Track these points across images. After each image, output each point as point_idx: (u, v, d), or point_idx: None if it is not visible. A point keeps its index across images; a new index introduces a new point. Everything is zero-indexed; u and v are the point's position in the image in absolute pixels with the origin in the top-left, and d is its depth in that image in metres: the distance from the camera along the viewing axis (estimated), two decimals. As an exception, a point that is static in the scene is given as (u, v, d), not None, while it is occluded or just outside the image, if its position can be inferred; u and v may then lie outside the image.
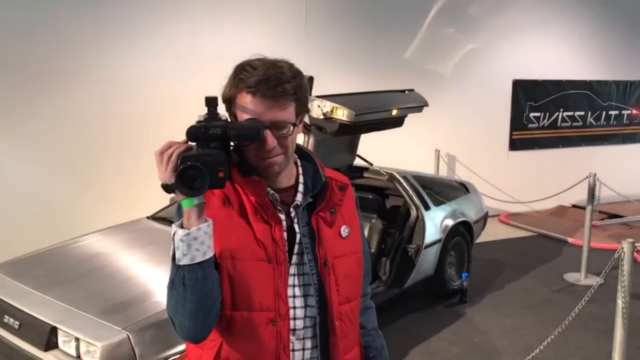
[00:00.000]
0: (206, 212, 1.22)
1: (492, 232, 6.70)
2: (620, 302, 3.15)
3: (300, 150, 1.44)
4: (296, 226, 1.35)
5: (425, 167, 6.92)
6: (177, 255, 1.18)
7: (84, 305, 2.85)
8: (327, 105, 3.71)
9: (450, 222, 4.78)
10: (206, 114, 1.23)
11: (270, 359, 1.31)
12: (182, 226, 1.19)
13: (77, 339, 2.64)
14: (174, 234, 1.19)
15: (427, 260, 4.54)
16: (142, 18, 5.47)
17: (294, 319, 1.34)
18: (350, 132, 3.91)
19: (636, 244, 3.22)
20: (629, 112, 9.03)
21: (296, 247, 1.35)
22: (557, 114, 8.36)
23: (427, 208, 4.58)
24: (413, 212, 4.48)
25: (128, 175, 5.47)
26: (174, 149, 1.18)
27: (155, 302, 2.84)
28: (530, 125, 8.16)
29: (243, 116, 1.26)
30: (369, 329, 1.58)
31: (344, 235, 1.41)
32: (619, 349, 3.18)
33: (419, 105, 4.22)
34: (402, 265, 4.35)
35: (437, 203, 4.80)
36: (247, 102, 1.25)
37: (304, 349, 1.36)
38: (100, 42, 5.29)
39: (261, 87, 1.23)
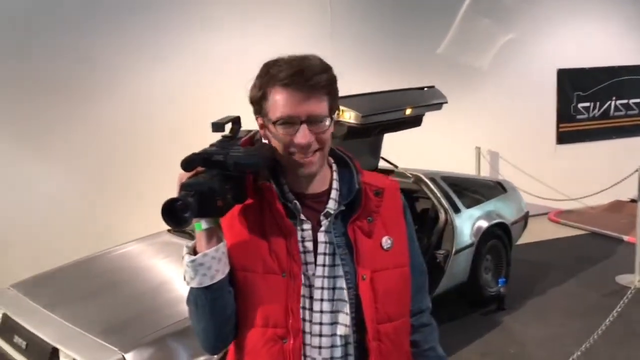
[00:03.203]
0: (228, 227, 1.24)
1: (540, 232, 6.34)
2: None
3: (336, 154, 1.35)
4: (320, 235, 1.24)
5: (466, 166, 6.62)
6: (186, 278, 1.21)
7: (87, 324, 2.80)
8: None
9: (484, 225, 4.50)
10: (223, 136, 1.22)
11: None
12: (194, 248, 1.21)
13: (75, 360, 2.60)
14: (182, 257, 1.21)
15: (459, 266, 4.29)
16: (168, 29, 5.48)
17: (320, 335, 1.23)
18: (361, 135, 3.73)
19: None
20: (689, 96, 8.33)
21: (320, 258, 1.24)
22: (609, 102, 7.82)
23: (456, 211, 4.33)
24: (441, 216, 4.24)
25: (155, 187, 5.49)
26: (182, 175, 1.16)
27: (155, 320, 2.76)
28: (579, 117, 7.67)
29: (276, 113, 1.20)
30: (425, 348, 1.42)
31: (385, 247, 1.29)
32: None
33: (437, 102, 3.98)
34: (430, 272, 4.11)
35: (469, 205, 4.52)
36: (281, 97, 1.20)
37: None
38: (125, 57, 5.33)
39: (295, 79, 1.18)
